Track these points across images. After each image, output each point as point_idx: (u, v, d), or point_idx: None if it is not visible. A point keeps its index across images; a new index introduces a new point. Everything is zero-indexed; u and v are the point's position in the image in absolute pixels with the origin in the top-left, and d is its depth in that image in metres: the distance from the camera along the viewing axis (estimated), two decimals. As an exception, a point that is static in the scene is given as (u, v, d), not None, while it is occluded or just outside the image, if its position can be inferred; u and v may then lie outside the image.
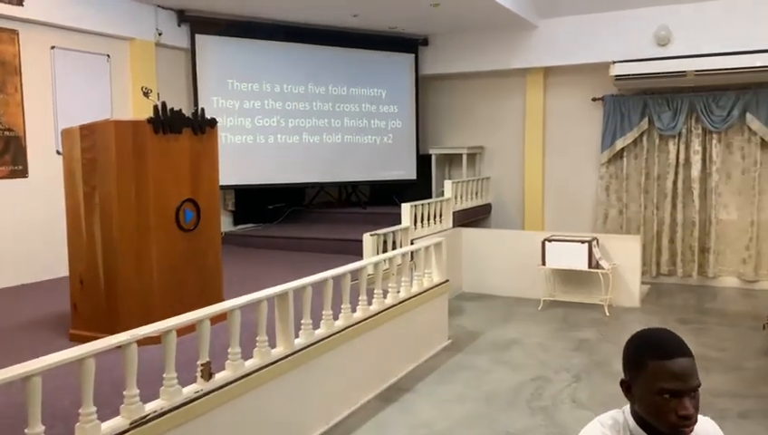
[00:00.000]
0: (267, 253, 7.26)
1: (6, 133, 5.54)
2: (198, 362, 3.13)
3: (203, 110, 4.25)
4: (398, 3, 7.03)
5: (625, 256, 6.98)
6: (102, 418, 2.76)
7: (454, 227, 7.68)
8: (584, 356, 5.35)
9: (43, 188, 5.64)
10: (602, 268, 6.76)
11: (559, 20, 8.06)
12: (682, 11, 7.42)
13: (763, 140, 7.47)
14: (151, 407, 2.84)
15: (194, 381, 3.14)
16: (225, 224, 8.01)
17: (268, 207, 8.49)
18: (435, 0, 6.80)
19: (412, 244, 6.32)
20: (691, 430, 1.51)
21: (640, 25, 7.61)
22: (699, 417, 1.58)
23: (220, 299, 4.11)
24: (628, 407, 1.66)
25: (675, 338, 1.59)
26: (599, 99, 8.24)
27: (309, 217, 8.61)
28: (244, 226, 8.17)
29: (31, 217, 5.64)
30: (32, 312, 4.74)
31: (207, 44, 7.32)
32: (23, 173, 5.66)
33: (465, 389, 4.66)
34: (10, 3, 5.39)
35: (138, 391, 2.78)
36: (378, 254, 5.83)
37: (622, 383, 1.64)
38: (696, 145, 7.78)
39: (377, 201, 9.20)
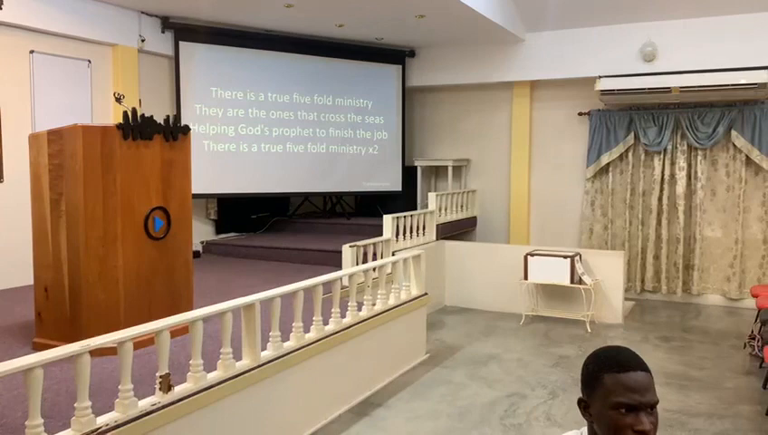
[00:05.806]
0: (248, 263, 7.19)
1: (-19, 137, 5.47)
2: (157, 374, 3.05)
3: (176, 116, 4.20)
4: (383, 13, 7.01)
5: (608, 271, 6.93)
6: (54, 430, 2.67)
7: (437, 239, 7.63)
8: (563, 373, 5.28)
9: (19, 193, 5.55)
10: (585, 284, 6.71)
11: (545, 34, 8.06)
12: (669, 27, 7.42)
13: (747, 157, 7.45)
14: (104, 420, 2.76)
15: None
16: (207, 233, 7.94)
17: (251, 216, 8.42)
18: (420, 12, 6.79)
19: (393, 256, 6.25)
20: None
21: (627, 41, 7.61)
22: None
23: (190, 309, 4.04)
24: (585, 428, 1.61)
25: (632, 354, 1.56)
26: (585, 113, 8.23)
27: (292, 227, 8.55)
28: (226, 235, 8.09)
29: (5, 222, 5.55)
30: (0, 318, 4.65)
31: (191, 52, 7.27)
32: (-3, 178, 5.59)
33: (439, 404, 4.58)
34: (-12, 6, 5.34)
35: (89, 402, 2.70)
36: (357, 265, 5.76)
37: (580, 402, 1.59)
38: (682, 161, 7.76)
39: (361, 212, 9.15)
